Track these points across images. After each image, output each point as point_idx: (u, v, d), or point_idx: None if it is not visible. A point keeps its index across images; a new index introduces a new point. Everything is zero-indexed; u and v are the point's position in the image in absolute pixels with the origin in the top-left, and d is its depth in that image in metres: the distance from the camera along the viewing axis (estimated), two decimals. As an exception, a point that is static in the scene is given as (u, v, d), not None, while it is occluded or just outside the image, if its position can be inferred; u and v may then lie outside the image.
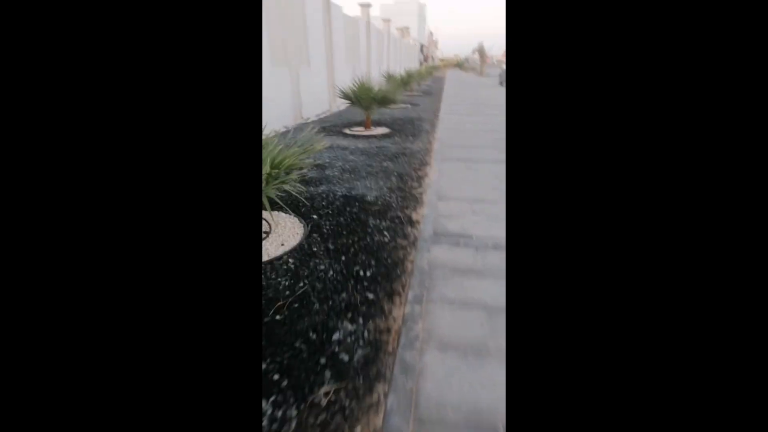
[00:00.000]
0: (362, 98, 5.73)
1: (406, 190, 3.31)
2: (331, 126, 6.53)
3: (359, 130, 6.02)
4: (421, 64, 29.77)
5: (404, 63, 19.75)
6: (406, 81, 10.30)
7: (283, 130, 5.34)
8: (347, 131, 6.01)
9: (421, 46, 32.06)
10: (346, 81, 7.68)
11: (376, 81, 8.06)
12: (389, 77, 9.78)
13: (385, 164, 4.10)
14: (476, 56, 34.81)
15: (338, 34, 8.69)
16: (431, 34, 46.50)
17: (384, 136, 5.69)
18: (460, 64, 46.47)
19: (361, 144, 5.14)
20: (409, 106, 9.42)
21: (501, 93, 13.83)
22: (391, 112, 7.94)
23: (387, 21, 14.97)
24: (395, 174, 3.76)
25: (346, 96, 5.86)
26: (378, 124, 6.71)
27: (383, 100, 5.84)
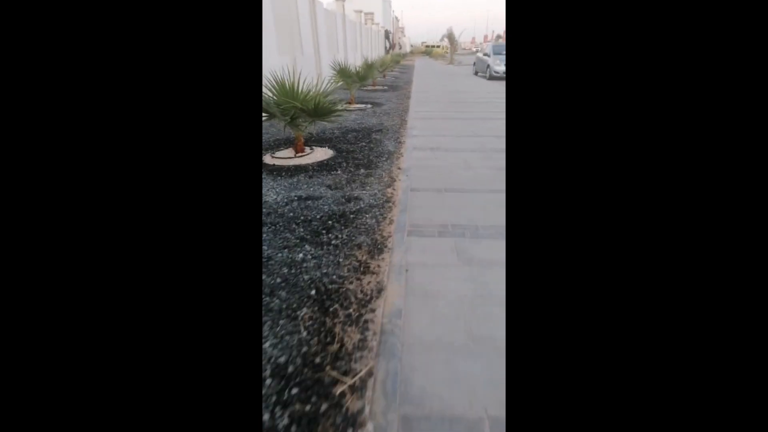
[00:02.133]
0: (282, 109, 3.57)
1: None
2: None
3: (285, 157, 3.89)
4: (387, 51, 27.35)
5: (369, 50, 17.40)
6: (363, 75, 7.93)
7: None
8: (267, 160, 3.86)
9: (387, 33, 29.47)
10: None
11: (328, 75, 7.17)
12: (341, 70, 7.52)
13: (296, 257, 2.05)
14: (446, 43, 33.17)
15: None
16: (397, 20, 43.82)
17: (320, 167, 3.58)
18: (428, 52, 44.55)
19: (272, 193, 3.02)
20: (368, 107, 7.22)
21: (481, 85, 11.78)
22: (344, 118, 5.82)
23: (340, 2, 12.71)
24: (311, 304, 1.72)
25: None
26: (319, 140, 4.59)
27: (317, 111, 3.68)
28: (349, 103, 7.37)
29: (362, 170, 3.51)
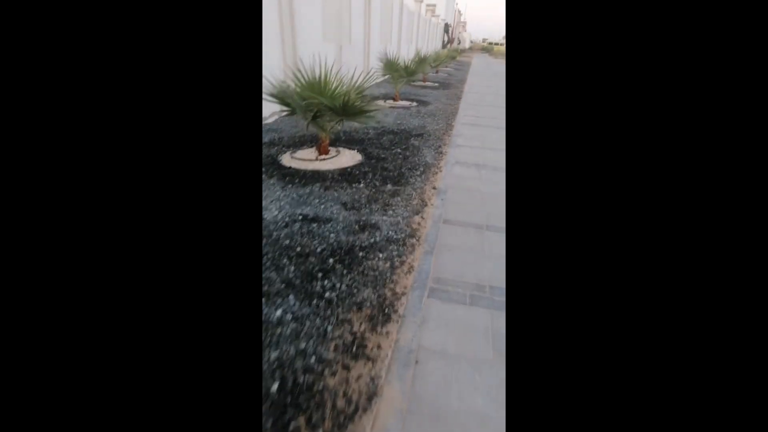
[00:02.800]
0: (306, 104, 3.05)
1: None
2: (273, 143, 3.90)
3: (305, 159, 3.38)
4: (444, 45, 26.18)
5: (425, 43, 16.49)
6: (412, 70, 7.19)
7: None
8: (285, 161, 3.37)
9: (446, 26, 28.13)
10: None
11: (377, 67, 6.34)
12: (387, 63, 6.89)
13: (271, 315, 1.50)
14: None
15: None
16: (460, 13, 42.02)
17: (341, 176, 3.03)
18: (488, 49, 42.54)
19: (275, 207, 2.51)
20: (413, 105, 6.57)
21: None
22: (384, 116, 5.24)
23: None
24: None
25: (278, 98, 3.18)
26: (350, 141, 4.05)
27: (346, 110, 3.12)
28: (394, 99, 6.77)
29: (389, 186, 2.92)
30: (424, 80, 10.06)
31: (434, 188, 2.99)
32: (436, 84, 10.09)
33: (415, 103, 6.77)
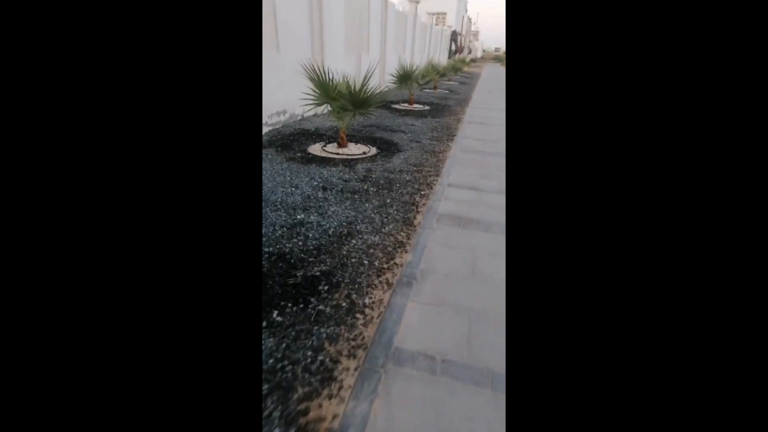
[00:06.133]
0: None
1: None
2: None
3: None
4: (451, 55, 25.64)
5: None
6: (363, 100, 3.91)
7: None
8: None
9: (454, 34, 25.92)
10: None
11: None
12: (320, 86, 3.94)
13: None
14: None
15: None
16: (470, 21, 42.19)
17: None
18: (500, 59, 42.39)
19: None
20: (366, 153, 4.02)
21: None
22: (300, 193, 2.86)
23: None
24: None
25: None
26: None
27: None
28: (341, 144, 4.13)
29: None
30: (410, 102, 7.43)
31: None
32: (426, 107, 7.50)
33: (372, 150, 4.18)
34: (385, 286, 1.85)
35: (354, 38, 7.66)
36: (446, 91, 10.82)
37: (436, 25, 21.98)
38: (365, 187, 3.15)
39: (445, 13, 28.56)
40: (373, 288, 1.83)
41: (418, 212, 2.74)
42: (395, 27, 10.49)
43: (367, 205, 2.78)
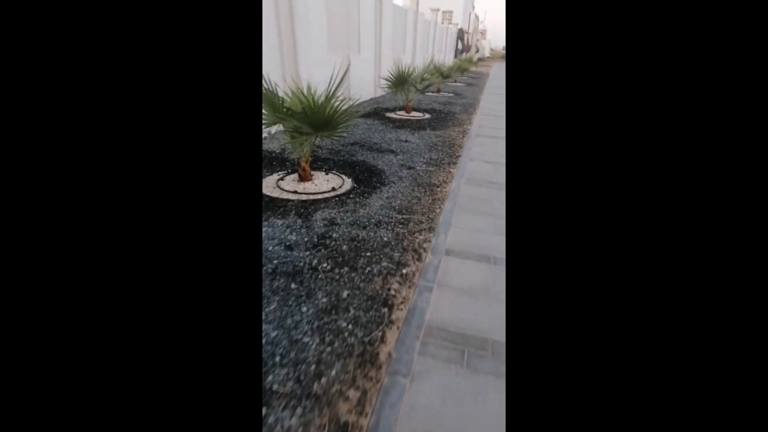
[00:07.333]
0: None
1: None
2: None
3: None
4: (458, 54, 25.39)
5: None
6: (327, 118, 2.73)
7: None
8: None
9: (460, 32, 25.78)
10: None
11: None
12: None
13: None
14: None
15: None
16: (477, 18, 41.11)
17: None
18: (508, 58, 41.29)
19: None
20: (337, 189, 2.95)
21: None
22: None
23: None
24: None
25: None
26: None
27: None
28: (303, 177, 3.02)
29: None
30: (408, 109, 6.50)
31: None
32: (426, 116, 6.42)
33: (346, 183, 3.10)
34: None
35: (340, 36, 6.54)
36: (451, 95, 9.74)
37: (442, 23, 20.93)
38: (314, 262, 2.02)
39: (451, 11, 27.55)
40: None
41: (390, 322, 1.60)
42: (392, 23, 9.20)
43: (303, 310, 1.65)
